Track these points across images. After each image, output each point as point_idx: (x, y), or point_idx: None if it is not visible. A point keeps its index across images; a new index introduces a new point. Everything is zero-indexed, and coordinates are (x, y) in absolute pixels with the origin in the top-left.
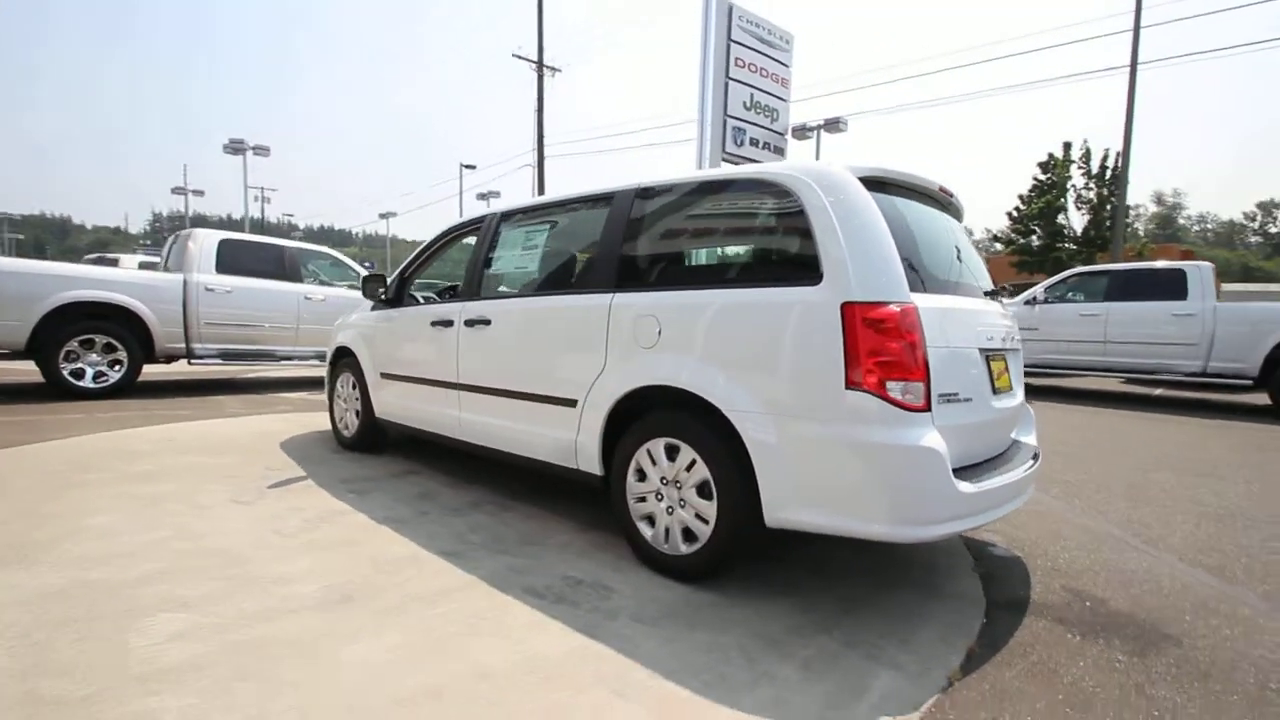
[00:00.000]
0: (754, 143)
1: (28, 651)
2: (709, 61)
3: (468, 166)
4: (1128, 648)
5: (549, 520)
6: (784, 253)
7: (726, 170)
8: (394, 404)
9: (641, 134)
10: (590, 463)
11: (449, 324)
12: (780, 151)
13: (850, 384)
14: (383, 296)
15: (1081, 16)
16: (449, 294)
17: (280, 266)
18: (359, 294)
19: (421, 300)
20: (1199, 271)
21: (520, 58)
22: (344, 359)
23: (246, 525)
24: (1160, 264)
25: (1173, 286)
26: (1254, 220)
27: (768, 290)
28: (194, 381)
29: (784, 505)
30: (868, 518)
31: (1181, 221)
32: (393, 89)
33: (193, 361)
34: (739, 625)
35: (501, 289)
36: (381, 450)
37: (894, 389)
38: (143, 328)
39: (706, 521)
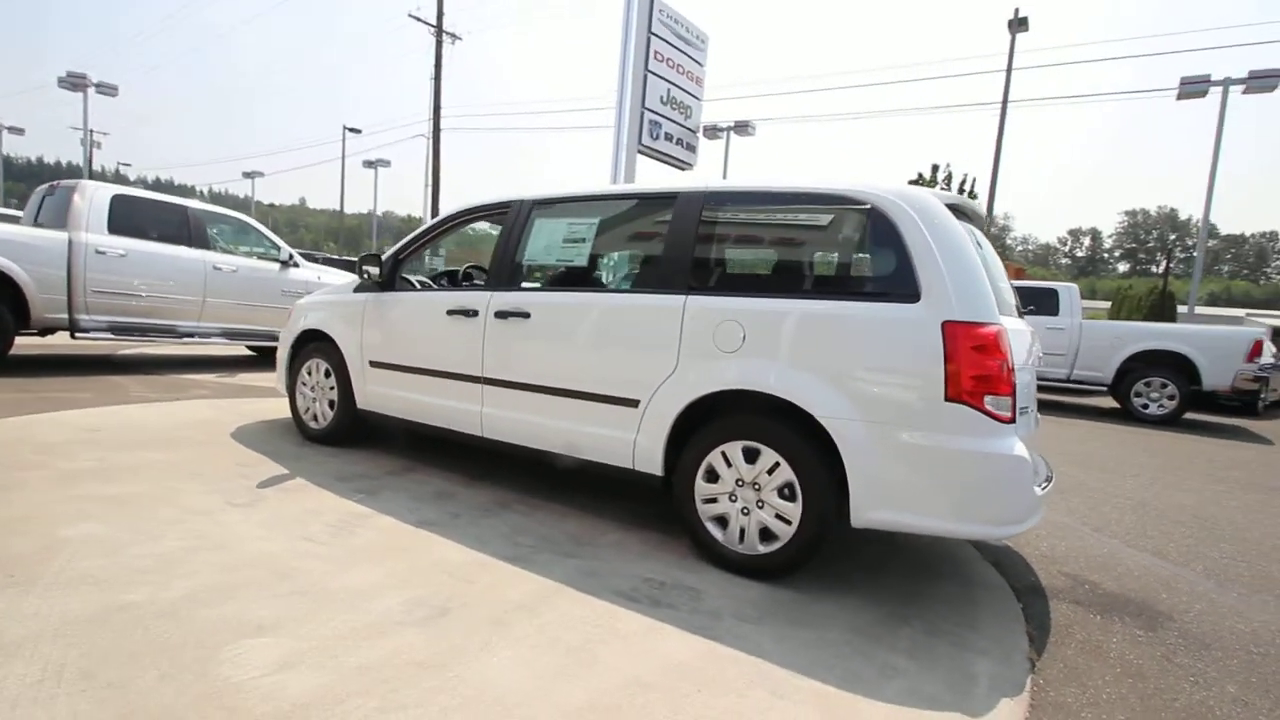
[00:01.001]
0: (669, 137)
1: (111, 696)
2: (630, 51)
3: (352, 130)
4: (1139, 624)
5: (585, 519)
6: (876, 269)
7: (810, 184)
8: (387, 396)
9: (556, 115)
10: (650, 464)
11: (471, 314)
12: (692, 149)
13: (950, 397)
14: (377, 279)
15: (963, 52)
16: (446, 280)
17: (184, 230)
18: (276, 267)
19: (418, 285)
20: (1069, 292)
21: (417, 19)
22: (312, 343)
23: (266, 532)
24: (1037, 283)
25: (1047, 303)
26: (1065, 244)
27: (864, 304)
28: (75, 358)
29: (873, 507)
30: (962, 518)
31: (1009, 242)
32: (261, 33)
33: (77, 335)
34: (832, 620)
35: (539, 281)
36: (357, 443)
37: (990, 403)
38: (16, 292)
39: (788, 522)
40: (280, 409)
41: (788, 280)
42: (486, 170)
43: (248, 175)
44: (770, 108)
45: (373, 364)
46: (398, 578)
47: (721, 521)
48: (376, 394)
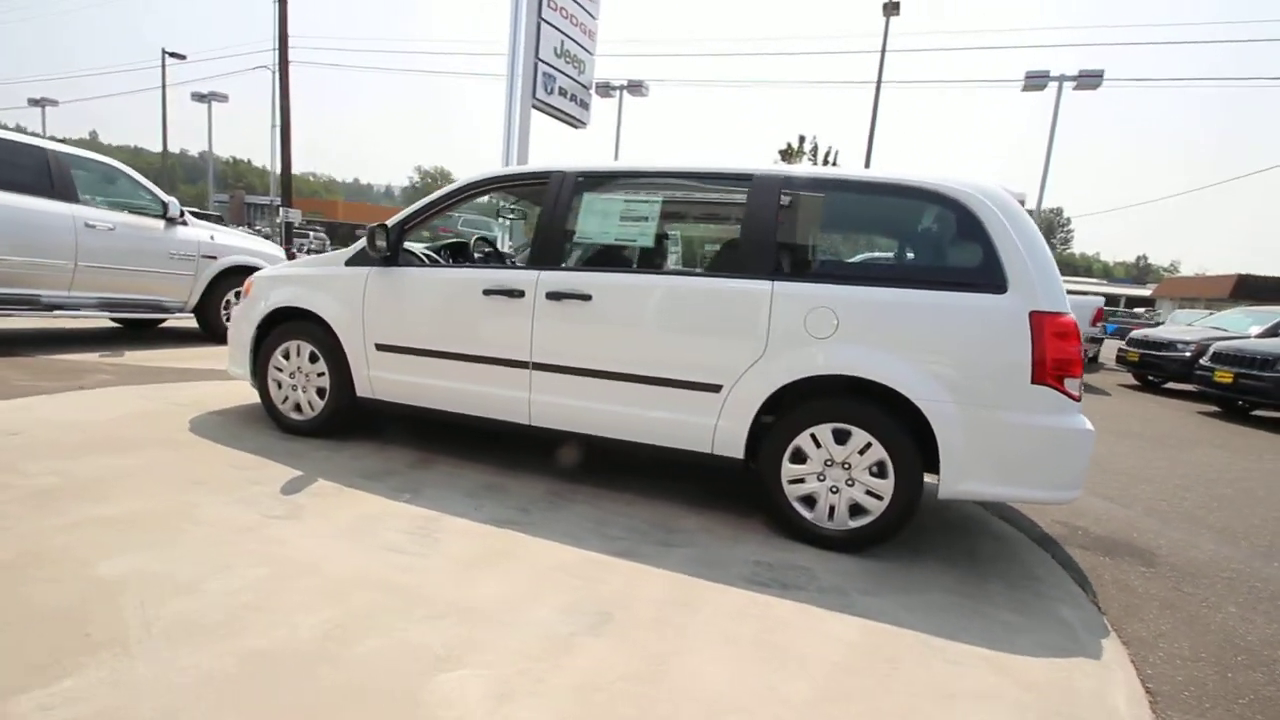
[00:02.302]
0: (563, 92)
1: None
2: None
3: (174, 55)
4: (1140, 562)
5: (652, 505)
6: (963, 261)
7: (890, 174)
8: (400, 383)
9: (436, 57)
10: (732, 448)
11: (515, 294)
12: (585, 106)
13: (1036, 380)
14: (385, 252)
15: (846, 29)
16: (449, 254)
17: (44, 178)
18: (160, 224)
19: (426, 260)
20: None
21: None
22: (286, 323)
23: (343, 546)
24: None
25: None
26: None
27: (956, 295)
28: None
29: (961, 480)
30: (1038, 485)
31: None
32: None
33: None
34: (929, 585)
35: (594, 261)
36: (348, 434)
37: (1068, 384)
38: None
39: (879, 498)
40: (222, 395)
41: (874, 269)
42: (387, 115)
43: (35, 103)
44: (663, 69)
45: (380, 347)
46: (528, 585)
47: (809, 501)
48: (386, 381)
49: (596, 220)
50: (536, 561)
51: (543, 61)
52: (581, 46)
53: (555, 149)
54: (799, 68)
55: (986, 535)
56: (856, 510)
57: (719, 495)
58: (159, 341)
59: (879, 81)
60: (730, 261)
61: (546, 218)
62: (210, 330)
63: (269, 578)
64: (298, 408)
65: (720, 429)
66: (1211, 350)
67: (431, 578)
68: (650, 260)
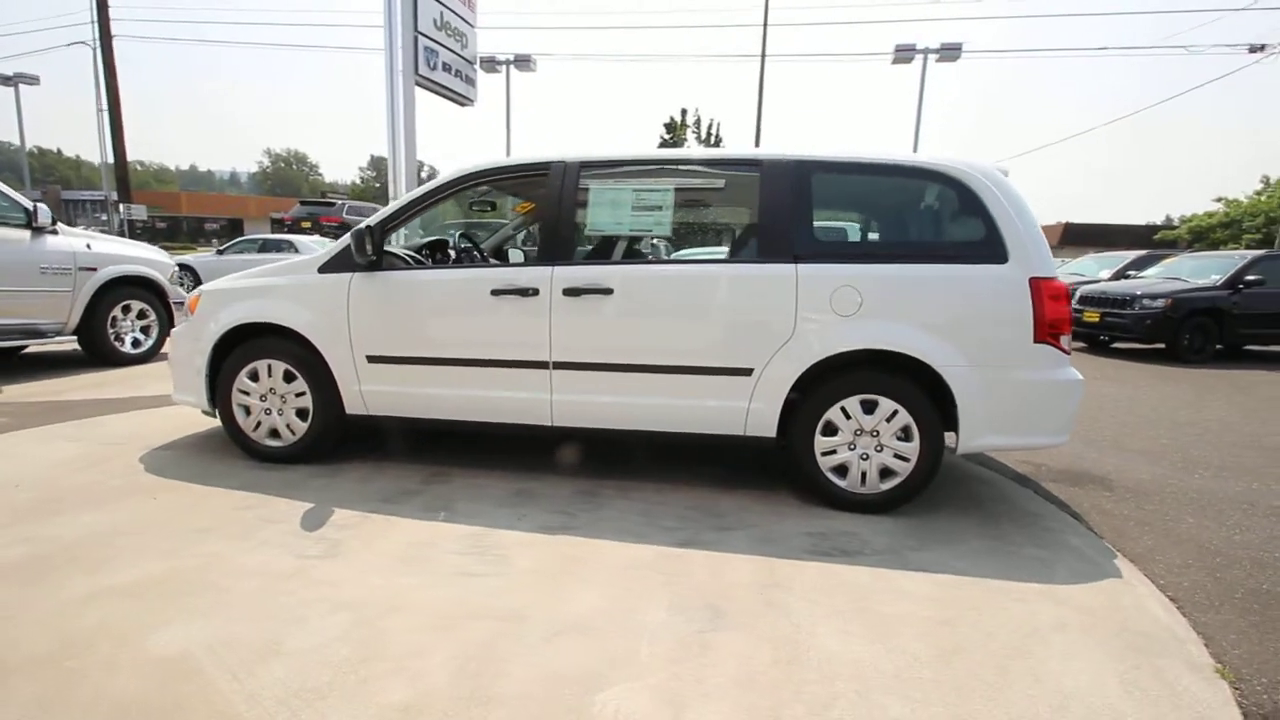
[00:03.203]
0: (446, 68)
1: None
2: None
3: None
4: (1102, 489)
5: (684, 491)
6: (967, 235)
7: (893, 156)
8: (400, 395)
9: (289, 29)
10: (765, 428)
11: (529, 293)
12: (471, 82)
13: (1038, 339)
14: (373, 257)
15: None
16: (429, 253)
17: None
18: (25, 235)
19: (409, 262)
20: None
21: None
22: (252, 341)
23: (415, 578)
24: None
25: None
26: None
27: (964, 267)
28: None
29: (977, 435)
30: (1040, 433)
31: None
32: None
33: None
34: (960, 533)
35: (604, 252)
36: (334, 456)
37: (1063, 341)
38: None
39: (906, 460)
40: (157, 427)
41: (888, 247)
42: (229, 94)
43: None
44: (550, 44)
45: (373, 359)
46: (621, 589)
47: (840, 470)
48: (382, 395)
49: (607, 211)
50: (611, 563)
51: (423, 35)
52: (462, 19)
53: (439, 129)
54: (685, 42)
55: (975, 481)
56: (886, 473)
57: (738, 473)
58: (32, 371)
59: (763, 55)
60: (750, 247)
61: (552, 211)
62: (97, 353)
63: (354, 624)
64: (274, 433)
65: (753, 411)
66: (1077, 294)
67: (523, 597)
68: (665, 249)
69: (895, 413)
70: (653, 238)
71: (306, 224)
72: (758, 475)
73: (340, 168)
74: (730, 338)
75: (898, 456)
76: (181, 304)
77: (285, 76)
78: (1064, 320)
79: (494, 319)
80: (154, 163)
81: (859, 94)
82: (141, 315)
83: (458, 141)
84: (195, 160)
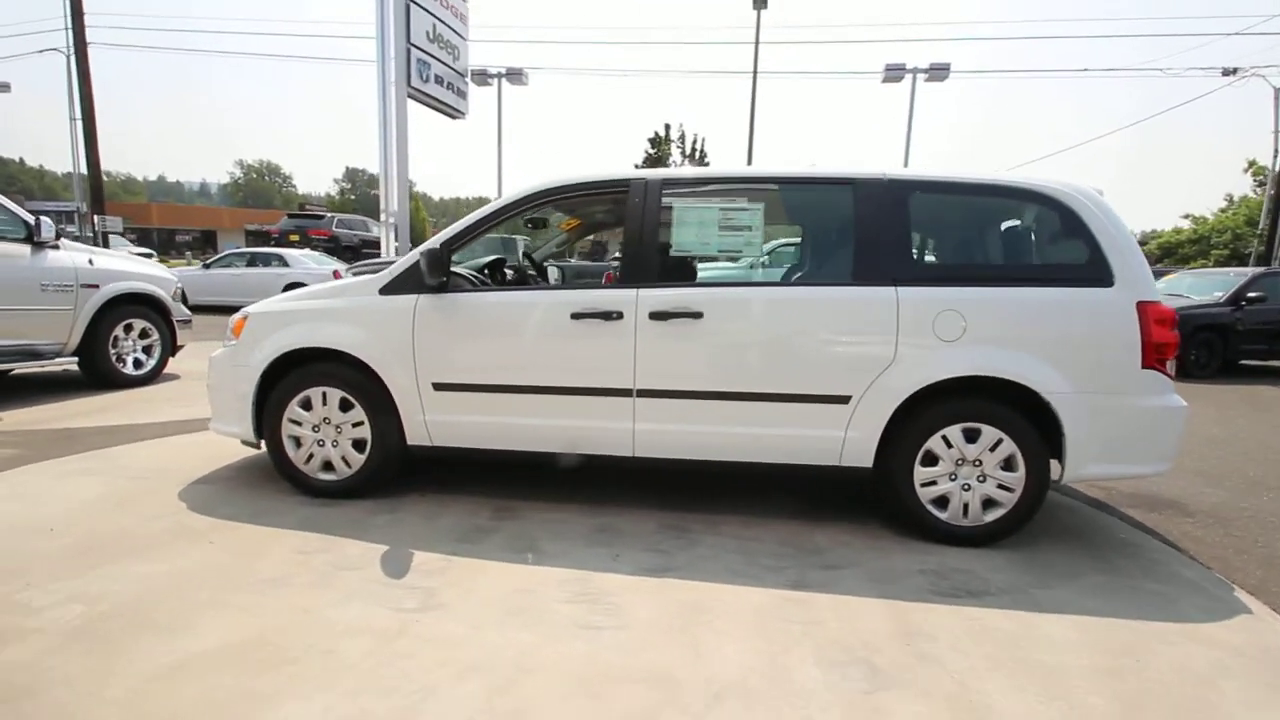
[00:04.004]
0: (439, 80)
1: None
2: None
3: None
4: (1180, 514)
5: (772, 525)
6: (1071, 257)
7: (991, 176)
8: (471, 425)
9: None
10: (861, 458)
11: (612, 316)
12: (463, 95)
13: (1145, 365)
14: (443, 278)
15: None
16: (489, 273)
17: None
18: (26, 250)
19: (476, 283)
20: None
21: None
22: (305, 367)
23: (532, 634)
24: None
25: None
26: None
27: (1070, 290)
28: None
29: (1083, 464)
30: (1146, 461)
31: None
32: None
33: None
34: (1076, 569)
35: (687, 275)
36: (385, 490)
37: (1169, 366)
38: None
39: (1010, 490)
40: (185, 457)
41: (990, 270)
42: (198, 103)
43: None
44: (541, 58)
45: (440, 387)
46: (761, 644)
47: (941, 501)
48: (449, 425)
49: (693, 231)
50: (734, 610)
51: (415, 46)
52: (454, 31)
53: (428, 141)
54: (675, 58)
55: (1058, 509)
56: (989, 505)
57: (821, 505)
58: (26, 395)
59: (755, 71)
60: (846, 269)
61: (634, 231)
62: (96, 375)
63: (492, 693)
64: (328, 466)
65: (849, 440)
66: None
67: (661, 655)
68: (759, 271)
69: (999, 441)
70: (740, 260)
71: (295, 237)
72: (843, 507)
73: (314, 180)
74: (827, 364)
75: (1001, 487)
76: (187, 322)
77: (258, 85)
78: (1170, 345)
79: (574, 344)
80: (121, 173)
81: (848, 112)
82: (144, 334)
83: (439, 155)
84: (164, 170)
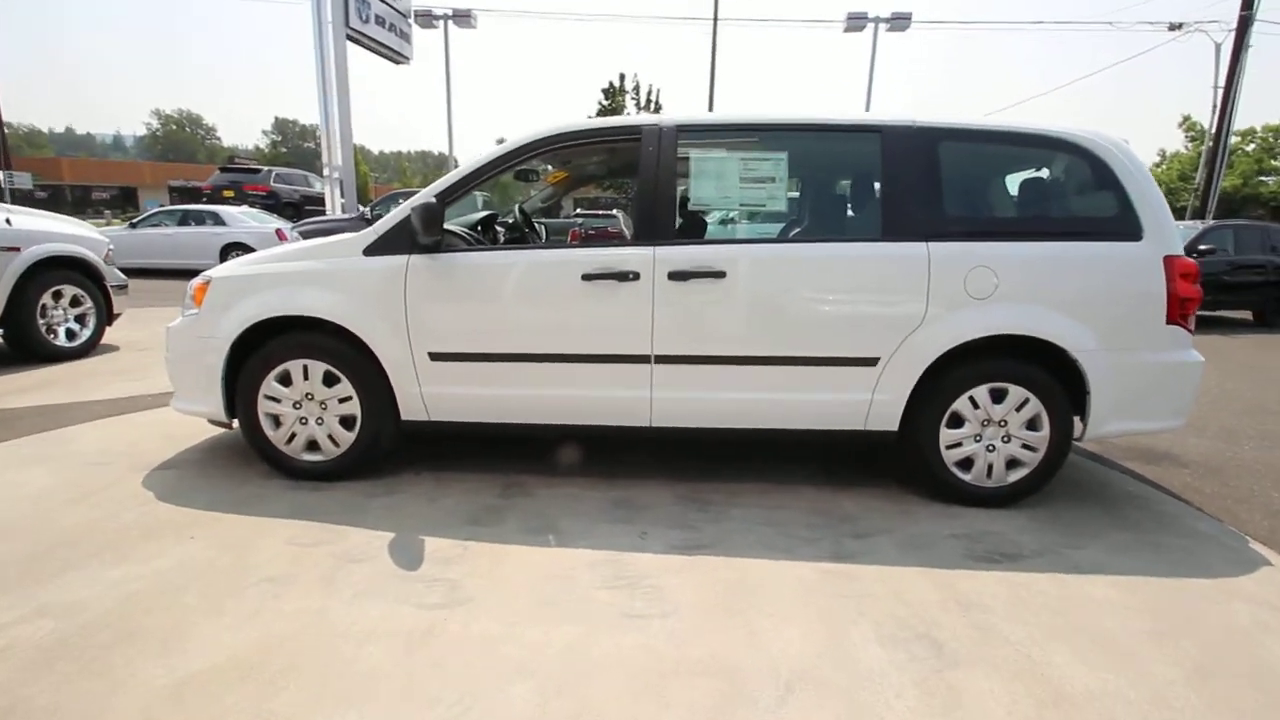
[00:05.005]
0: (380, 21)
1: None
2: None
3: None
4: (1177, 465)
5: (797, 492)
6: (1101, 210)
7: (1021, 124)
8: (472, 397)
9: None
10: (887, 421)
11: (628, 277)
12: (406, 37)
13: (1170, 320)
14: (437, 236)
15: None
16: (481, 230)
17: None
18: None
19: (471, 242)
20: None
21: None
22: (281, 337)
23: (575, 627)
24: None
25: None
26: None
27: (1099, 244)
28: None
29: (1105, 422)
30: (1162, 416)
31: None
32: None
33: None
34: (1098, 527)
35: (703, 228)
36: (375, 470)
37: (1190, 321)
38: None
39: (1034, 450)
40: (140, 438)
41: (1020, 223)
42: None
43: None
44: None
45: (437, 357)
46: (817, 624)
47: (965, 463)
48: (446, 397)
49: (711, 183)
50: (779, 588)
51: None
52: None
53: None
54: (632, 3)
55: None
56: (1011, 465)
57: (838, 470)
58: None
59: (715, 19)
60: (875, 223)
61: (648, 182)
62: (25, 348)
63: (549, 696)
64: (313, 445)
65: (876, 403)
66: None
67: (715, 641)
68: (797, 226)
69: (1025, 401)
70: (788, 211)
71: (229, 193)
72: (862, 470)
73: (241, 130)
74: (855, 325)
75: (1025, 447)
76: (123, 288)
77: (177, 26)
78: (1194, 300)
79: (585, 307)
80: (23, 125)
81: (809, 62)
82: (75, 302)
83: (379, 106)
84: (71, 122)
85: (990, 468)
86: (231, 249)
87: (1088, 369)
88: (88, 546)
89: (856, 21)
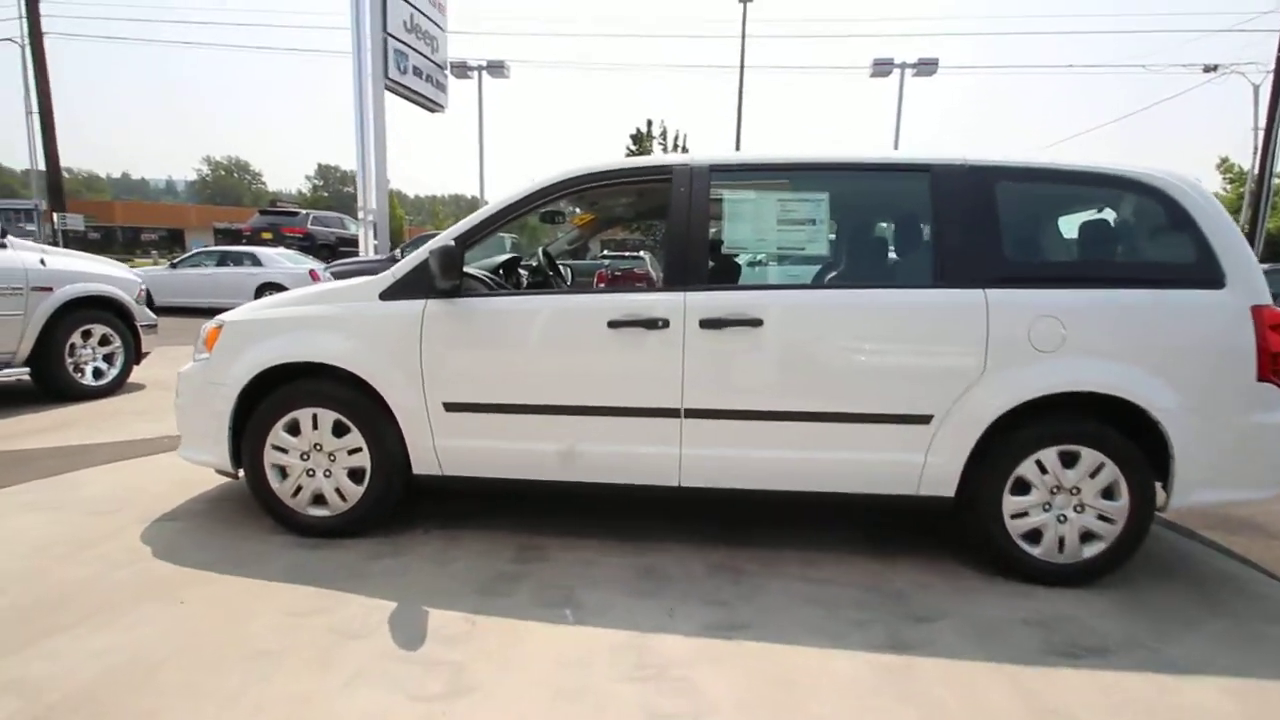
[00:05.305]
0: (417, 72)
1: None
2: None
3: None
4: (1266, 538)
5: (841, 563)
6: (1177, 255)
7: (1086, 163)
8: (490, 451)
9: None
10: (942, 486)
11: (657, 325)
12: (442, 88)
13: (1261, 377)
14: (456, 281)
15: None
16: (504, 274)
17: None
18: None
19: (493, 286)
20: None
21: None
22: (291, 384)
23: None
24: None
25: None
26: None
27: (1178, 293)
28: None
29: (1191, 490)
30: (1255, 485)
31: None
32: None
33: None
34: (1191, 613)
35: (750, 275)
36: (382, 527)
37: None
38: None
39: (1111, 521)
40: (149, 485)
41: (1089, 269)
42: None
43: None
44: (524, 51)
45: (451, 407)
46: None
47: (1033, 535)
48: (461, 450)
49: (747, 226)
50: (830, 686)
51: (392, 36)
52: (432, 21)
53: (403, 138)
54: (660, 52)
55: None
56: (1085, 539)
57: (880, 535)
58: None
59: (741, 65)
60: (925, 269)
61: (678, 224)
62: (52, 387)
63: None
64: (319, 500)
65: (929, 466)
66: None
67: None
68: (820, 271)
69: (1100, 466)
70: (831, 255)
71: (268, 235)
72: (910, 539)
73: (285, 176)
74: (903, 378)
75: (1101, 518)
76: (152, 327)
77: (228, 79)
78: None
79: (610, 356)
80: (83, 170)
81: (835, 108)
82: (104, 341)
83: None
84: (128, 168)
85: (1061, 541)
86: (266, 289)
87: (1170, 431)
88: (75, 609)
89: (883, 67)
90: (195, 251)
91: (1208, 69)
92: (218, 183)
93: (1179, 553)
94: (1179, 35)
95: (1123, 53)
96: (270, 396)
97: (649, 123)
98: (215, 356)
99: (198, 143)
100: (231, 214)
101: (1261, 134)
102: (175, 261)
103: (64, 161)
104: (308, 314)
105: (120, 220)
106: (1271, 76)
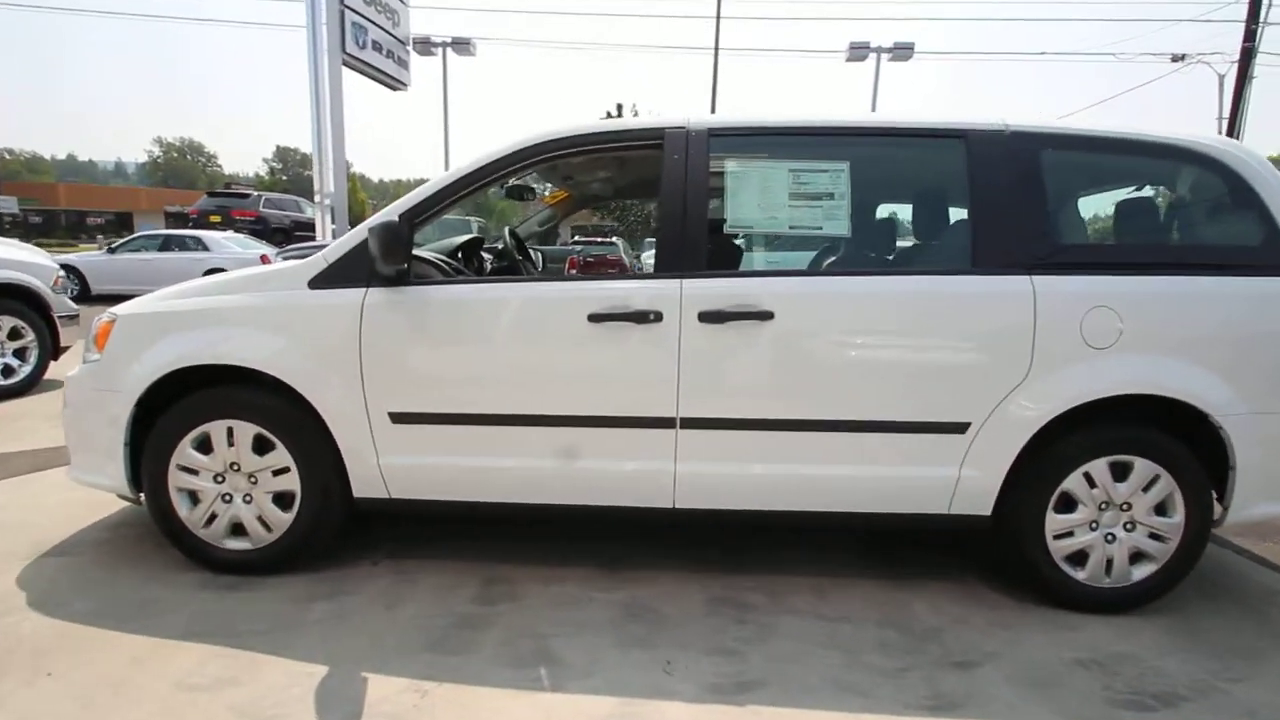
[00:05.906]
0: (377, 47)
1: None
2: None
3: None
4: None
5: (847, 588)
6: (1238, 236)
7: (1138, 131)
8: (444, 469)
9: None
10: (978, 503)
11: (647, 318)
12: (404, 64)
13: None
14: (401, 265)
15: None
16: (463, 256)
17: None
18: None
19: (450, 272)
20: None
21: None
22: (201, 392)
23: None
24: None
25: None
26: None
27: (1244, 280)
28: None
29: (1253, 503)
30: None
31: None
32: None
33: None
34: (1252, 641)
35: (756, 259)
36: (318, 558)
37: None
38: None
39: (1164, 540)
40: (41, 507)
41: (1145, 251)
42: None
43: None
44: (491, 28)
45: (398, 418)
46: None
47: (1077, 558)
48: (412, 470)
49: (755, 198)
50: None
51: (350, 9)
52: None
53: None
54: (633, 32)
55: None
56: (1135, 559)
57: (896, 550)
58: None
59: (716, 48)
60: (961, 252)
61: (673, 199)
62: None
63: None
64: (238, 530)
65: (964, 480)
66: None
67: None
68: (839, 255)
69: (1155, 479)
70: (853, 235)
71: (216, 218)
72: (924, 557)
73: (242, 159)
74: (937, 379)
75: (1153, 536)
76: (73, 318)
77: (178, 57)
78: None
79: (592, 356)
80: (25, 151)
81: (811, 93)
82: (14, 335)
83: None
84: (73, 149)
85: (1109, 563)
86: (212, 274)
87: (1234, 438)
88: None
89: (859, 51)
90: (136, 235)
91: (1175, 58)
92: (170, 165)
93: (1215, 563)
94: (1153, 24)
95: (1102, 41)
96: (175, 406)
97: (619, 106)
98: (108, 357)
99: (151, 123)
100: (184, 197)
101: (1225, 124)
102: (114, 246)
103: (4, 142)
104: (220, 305)
105: (65, 203)
106: (1235, 67)
